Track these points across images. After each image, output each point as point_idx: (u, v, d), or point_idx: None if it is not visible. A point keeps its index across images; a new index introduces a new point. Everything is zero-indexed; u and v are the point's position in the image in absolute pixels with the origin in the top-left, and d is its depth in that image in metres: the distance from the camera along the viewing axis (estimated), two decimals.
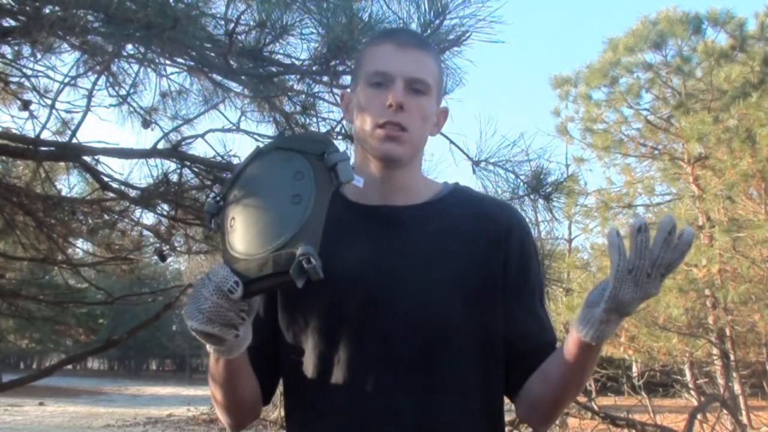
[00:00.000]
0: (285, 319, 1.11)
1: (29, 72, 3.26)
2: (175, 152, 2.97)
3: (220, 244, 0.99)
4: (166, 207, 3.35)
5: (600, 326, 0.93)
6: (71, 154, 2.90)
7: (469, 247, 1.09)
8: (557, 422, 7.39)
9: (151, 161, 3.11)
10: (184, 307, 0.95)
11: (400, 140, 1.08)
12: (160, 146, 2.95)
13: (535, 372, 1.07)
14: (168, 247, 3.67)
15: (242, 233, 0.94)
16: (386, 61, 1.09)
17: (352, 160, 1.09)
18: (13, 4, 2.10)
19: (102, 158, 3.07)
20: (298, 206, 0.93)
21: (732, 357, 9.14)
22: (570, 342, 0.98)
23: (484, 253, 1.09)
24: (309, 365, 1.07)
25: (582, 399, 6.56)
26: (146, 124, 3.28)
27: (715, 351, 9.38)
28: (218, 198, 1.00)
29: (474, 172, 2.34)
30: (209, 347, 0.98)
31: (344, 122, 2.74)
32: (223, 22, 2.09)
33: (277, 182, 0.96)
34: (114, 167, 4.50)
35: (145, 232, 3.78)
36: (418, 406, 1.02)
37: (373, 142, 1.09)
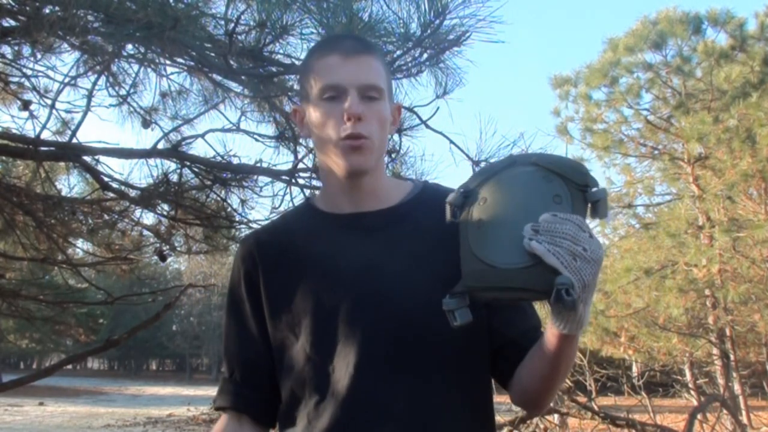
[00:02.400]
0: (273, 332, 1.13)
1: (29, 72, 3.26)
2: (175, 152, 2.98)
3: (461, 238, 0.98)
4: (166, 207, 3.35)
5: (577, 314, 0.91)
6: (71, 154, 2.90)
7: (443, 245, 1.09)
8: (557, 422, 7.39)
9: (151, 161, 3.12)
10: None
11: (363, 149, 1.08)
12: (160, 146, 2.96)
13: (523, 362, 1.08)
14: (168, 247, 3.68)
15: (492, 239, 0.93)
16: (335, 73, 1.08)
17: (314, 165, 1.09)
18: (13, 4, 2.10)
19: (102, 158, 3.08)
20: None
21: (732, 357, 9.14)
22: (550, 337, 0.98)
23: (457, 250, 1.09)
24: (299, 372, 1.09)
25: (582, 399, 6.56)
26: (146, 124, 3.28)
27: (715, 351, 9.39)
28: (463, 191, 1.01)
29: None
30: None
31: None
32: (223, 22, 2.09)
33: (536, 199, 0.93)
34: (114, 167, 4.51)
35: (145, 232, 3.78)
36: (409, 405, 1.03)
37: (338, 157, 1.08)
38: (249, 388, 1.16)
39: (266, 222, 2.31)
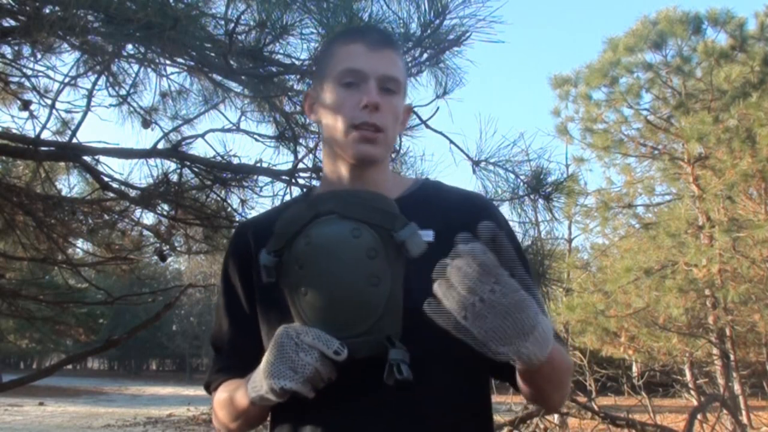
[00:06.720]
0: (265, 331, 1.11)
1: (29, 72, 3.26)
2: (175, 152, 2.97)
3: (289, 301, 0.98)
4: (166, 207, 3.35)
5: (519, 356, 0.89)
6: (71, 154, 2.90)
7: (439, 242, 1.05)
8: (557, 422, 7.38)
9: (151, 161, 3.11)
10: (266, 367, 0.93)
11: (376, 141, 1.08)
12: (160, 146, 2.96)
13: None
14: (168, 247, 3.68)
15: (318, 310, 0.94)
16: (358, 60, 1.08)
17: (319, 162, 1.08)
18: (13, 4, 2.09)
19: (102, 158, 3.08)
20: (376, 288, 0.93)
21: (732, 357, 9.15)
22: (517, 371, 0.99)
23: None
24: None
25: (582, 399, 6.56)
26: (146, 124, 3.28)
27: (715, 351, 9.39)
28: (274, 253, 0.99)
29: (474, 172, 2.35)
30: (260, 396, 0.97)
31: None
32: (223, 22, 2.09)
33: (351, 259, 0.93)
34: (114, 167, 4.51)
35: (145, 232, 3.78)
36: (408, 405, 1.02)
37: (348, 144, 1.08)
38: (240, 366, 1.12)
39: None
